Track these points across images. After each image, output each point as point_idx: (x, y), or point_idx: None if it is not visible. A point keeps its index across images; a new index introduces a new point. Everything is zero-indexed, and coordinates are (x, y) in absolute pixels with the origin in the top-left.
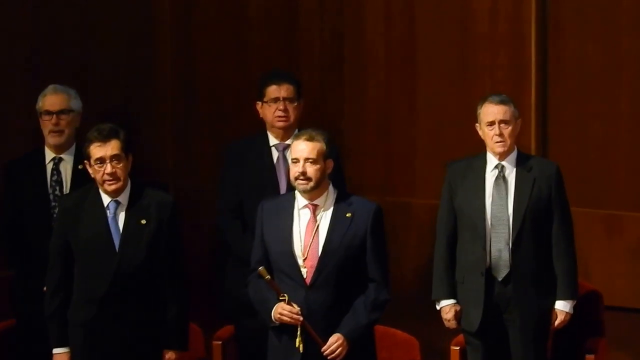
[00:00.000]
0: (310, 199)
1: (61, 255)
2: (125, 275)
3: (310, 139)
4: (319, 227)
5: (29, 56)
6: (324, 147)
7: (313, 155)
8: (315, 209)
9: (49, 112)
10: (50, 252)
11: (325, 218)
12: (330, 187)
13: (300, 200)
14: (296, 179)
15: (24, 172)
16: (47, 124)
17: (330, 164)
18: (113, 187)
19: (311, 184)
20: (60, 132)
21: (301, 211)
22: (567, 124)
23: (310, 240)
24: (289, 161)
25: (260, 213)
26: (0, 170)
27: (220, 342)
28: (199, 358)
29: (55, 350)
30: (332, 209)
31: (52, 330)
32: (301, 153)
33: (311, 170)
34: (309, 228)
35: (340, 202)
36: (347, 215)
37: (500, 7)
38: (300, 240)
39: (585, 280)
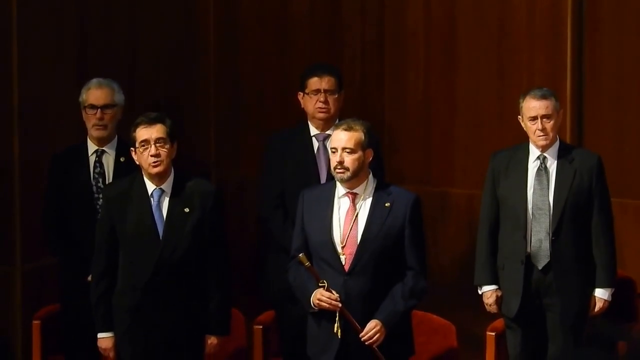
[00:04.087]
0: (350, 187)
1: (107, 243)
2: (168, 262)
3: (348, 129)
4: (358, 216)
5: (75, 49)
6: (363, 137)
7: (351, 145)
8: (354, 198)
9: (93, 106)
10: (96, 240)
11: (364, 207)
12: (370, 177)
13: (340, 189)
14: (335, 168)
15: (68, 165)
16: (91, 118)
17: (370, 153)
18: (157, 169)
19: (348, 173)
20: (104, 126)
21: (341, 200)
22: (602, 118)
23: (349, 228)
24: (329, 151)
25: (301, 202)
26: (46, 163)
27: (261, 327)
28: (240, 343)
29: (100, 335)
30: (371, 198)
31: (97, 316)
32: (339, 143)
33: (349, 159)
34: (348, 216)
35: (379, 192)
36: (386, 204)
37: (537, 2)
38: (340, 228)
39: (620, 268)
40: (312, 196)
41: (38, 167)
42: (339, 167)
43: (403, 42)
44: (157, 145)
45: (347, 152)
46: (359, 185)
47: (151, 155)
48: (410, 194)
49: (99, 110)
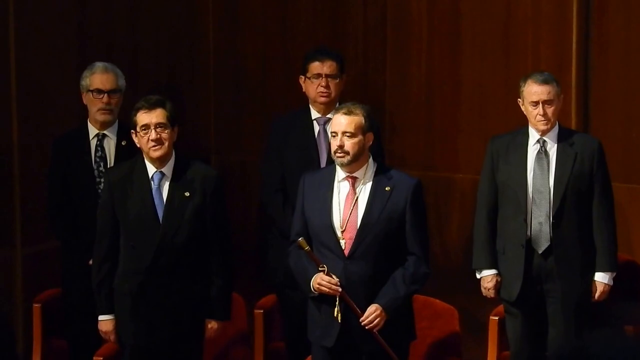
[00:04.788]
0: (350, 171)
1: (108, 226)
2: (168, 246)
3: (348, 113)
4: (358, 200)
5: (75, 32)
6: (363, 121)
7: (351, 129)
8: (354, 182)
9: (100, 91)
10: (97, 224)
11: (364, 191)
12: (370, 161)
13: (340, 173)
14: (335, 152)
15: (70, 149)
16: (97, 102)
17: (371, 137)
18: (157, 152)
19: (348, 157)
20: (110, 111)
21: (341, 184)
22: (608, 101)
23: (349, 212)
24: (329, 135)
25: (301, 186)
26: (46, 147)
27: (262, 311)
28: (241, 327)
29: (101, 317)
30: (371, 182)
31: (99, 299)
32: (339, 127)
33: (349, 143)
34: (348, 200)
35: (379, 176)
36: (387, 189)
37: None
38: (340, 212)
39: (627, 253)
40: (313, 180)
41: (37, 151)
42: (339, 151)
43: (406, 25)
44: (158, 129)
45: (347, 136)
46: (359, 169)
47: (151, 140)
48: (411, 178)
49: (105, 95)
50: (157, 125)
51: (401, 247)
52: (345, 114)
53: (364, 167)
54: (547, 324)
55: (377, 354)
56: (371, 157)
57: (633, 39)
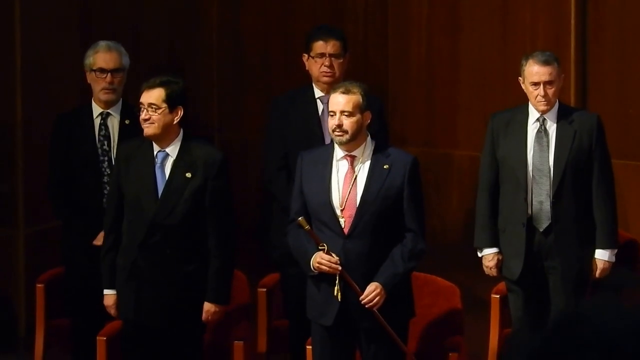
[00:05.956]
0: (348, 150)
1: (115, 200)
2: (163, 225)
3: (346, 92)
4: (357, 178)
5: (78, 10)
6: (361, 100)
7: (349, 108)
8: (353, 160)
9: (103, 70)
10: (106, 198)
11: (363, 169)
12: (369, 139)
13: (338, 152)
14: (333, 131)
15: (73, 127)
16: (100, 82)
17: (369, 115)
18: (147, 130)
19: (347, 136)
20: (113, 90)
21: (339, 162)
22: (606, 80)
23: (348, 191)
24: (328, 114)
25: (299, 164)
26: (49, 125)
27: (265, 290)
28: (244, 305)
29: (105, 292)
30: (369, 160)
31: (103, 272)
32: (337, 106)
33: (347, 122)
34: (347, 179)
35: (377, 154)
36: (385, 167)
37: None
38: (339, 191)
39: (624, 230)
40: (311, 158)
41: (41, 130)
42: (337, 130)
43: (406, 2)
44: (149, 109)
45: (346, 115)
46: (357, 148)
47: (142, 119)
48: (408, 155)
49: (109, 74)
50: (150, 105)
51: (399, 224)
52: (343, 92)
53: (362, 145)
54: (549, 302)
55: (376, 332)
56: (369, 136)
57: (628, 17)
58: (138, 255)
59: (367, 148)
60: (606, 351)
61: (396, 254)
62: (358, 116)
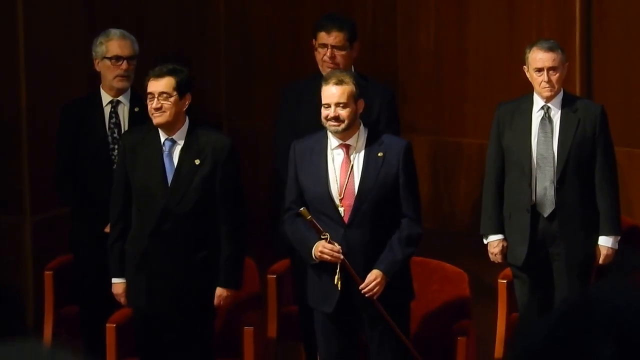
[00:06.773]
0: (343, 139)
1: (122, 189)
2: (174, 212)
3: (339, 83)
4: (354, 167)
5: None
6: (354, 89)
7: (344, 99)
8: (348, 149)
9: (119, 57)
10: (113, 186)
11: (358, 158)
12: (362, 127)
13: (332, 141)
14: (327, 120)
15: (82, 116)
16: (115, 69)
17: (362, 104)
18: (158, 119)
19: (343, 125)
20: (127, 77)
21: (334, 151)
22: (611, 69)
23: (346, 180)
24: (322, 106)
25: (292, 154)
26: (54, 114)
27: (275, 276)
28: (254, 291)
29: (113, 280)
30: (364, 149)
31: (112, 261)
32: (332, 98)
33: (343, 113)
34: (344, 168)
35: (371, 142)
36: (379, 154)
37: None
38: (336, 181)
39: (627, 216)
40: (305, 148)
41: (46, 118)
42: (333, 120)
43: None
44: (160, 98)
45: (341, 107)
46: (351, 137)
47: (153, 107)
48: (401, 141)
49: (124, 61)
50: (160, 94)
51: (397, 210)
52: (336, 84)
53: (356, 134)
54: (554, 288)
55: (376, 320)
56: (362, 124)
57: (633, 6)
58: (148, 243)
59: (360, 136)
60: (617, 333)
61: (394, 242)
62: (353, 106)
